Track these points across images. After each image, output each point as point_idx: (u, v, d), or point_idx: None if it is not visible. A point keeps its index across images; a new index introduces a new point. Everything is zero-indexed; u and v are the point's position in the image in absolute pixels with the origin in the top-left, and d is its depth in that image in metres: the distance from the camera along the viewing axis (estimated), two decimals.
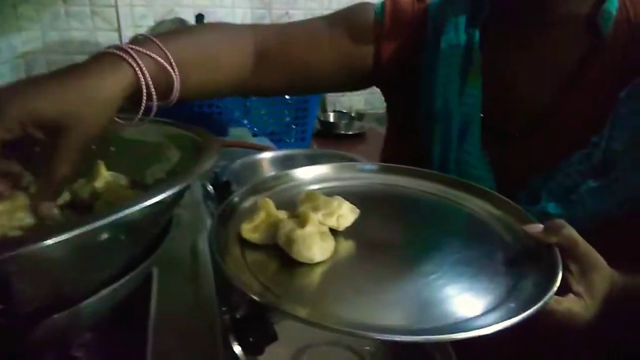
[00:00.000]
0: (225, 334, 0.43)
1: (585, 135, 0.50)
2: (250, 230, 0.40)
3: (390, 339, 0.30)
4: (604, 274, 0.41)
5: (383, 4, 0.61)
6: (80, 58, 1.38)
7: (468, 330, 0.30)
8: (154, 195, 0.26)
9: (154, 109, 0.43)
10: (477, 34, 0.55)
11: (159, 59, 0.43)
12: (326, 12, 0.67)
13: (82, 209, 0.41)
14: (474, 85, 0.55)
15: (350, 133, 1.56)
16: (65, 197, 0.43)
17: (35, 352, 0.29)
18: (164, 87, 0.44)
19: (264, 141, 1.19)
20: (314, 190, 0.47)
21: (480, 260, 0.40)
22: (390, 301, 0.35)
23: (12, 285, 0.21)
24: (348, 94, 1.82)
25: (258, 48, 0.58)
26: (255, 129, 1.25)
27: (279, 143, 1.25)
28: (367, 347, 0.54)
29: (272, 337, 0.45)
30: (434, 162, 0.57)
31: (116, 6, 1.30)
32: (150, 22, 1.44)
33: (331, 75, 0.62)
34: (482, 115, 0.55)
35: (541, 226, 0.41)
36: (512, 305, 0.33)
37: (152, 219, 0.30)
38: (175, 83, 0.44)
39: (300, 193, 0.45)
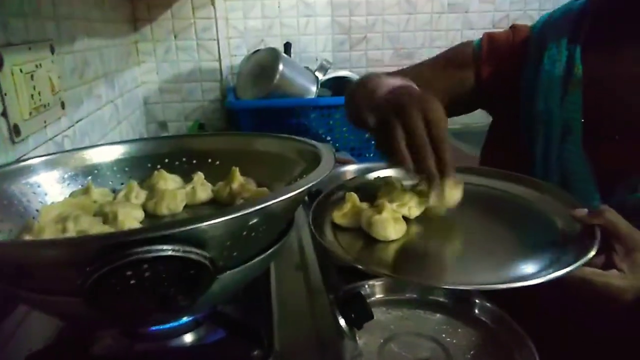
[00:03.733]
0: (333, 312, 0.53)
1: None
2: (340, 216, 0.51)
3: (463, 287, 0.40)
4: None
5: (481, 38, 0.71)
6: (187, 86, 1.62)
7: (520, 281, 0.39)
8: (289, 192, 0.37)
9: None
10: (578, 50, 0.62)
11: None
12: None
13: (223, 206, 0.53)
14: (575, 94, 0.62)
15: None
16: (208, 195, 0.55)
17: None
18: None
19: (346, 155, 1.30)
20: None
21: (535, 239, 0.49)
22: (456, 266, 0.45)
23: (215, 245, 0.33)
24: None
25: None
26: (337, 144, 1.36)
27: (359, 157, 1.35)
28: (450, 339, 0.60)
29: (369, 316, 0.55)
30: (537, 159, 0.64)
31: (217, 39, 1.48)
32: (244, 52, 1.62)
33: (448, 101, 0.72)
34: (582, 120, 0.61)
35: (586, 210, 0.47)
36: (556, 268, 0.42)
37: (288, 207, 0.41)
38: None
39: (379, 184, 0.56)
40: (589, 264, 0.42)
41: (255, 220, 0.36)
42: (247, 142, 0.57)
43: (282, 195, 0.34)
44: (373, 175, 0.64)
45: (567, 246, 0.45)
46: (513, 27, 0.71)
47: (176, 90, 1.50)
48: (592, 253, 0.42)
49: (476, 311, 0.64)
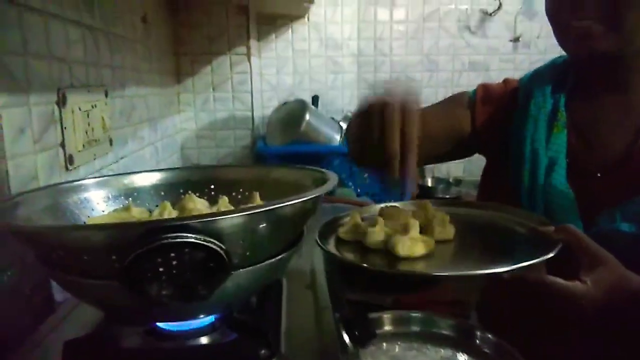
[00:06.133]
0: (337, 329, 0.57)
1: None
2: (344, 232, 0.58)
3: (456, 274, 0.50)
4: (611, 268, 0.49)
5: (476, 88, 0.79)
6: (221, 133, 1.75)
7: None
8: (295, 199, 0.43)
9: None
10: (562, 97, 0.70)
11: None
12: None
13: None
14: (559, 137, 0.68)
15: (447, 197, 1.67)
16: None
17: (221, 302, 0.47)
18: None
19: (366, 199, 1.36)
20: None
21: (509, 250, 0.56)
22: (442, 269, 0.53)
23: (230, 239, 0.39)
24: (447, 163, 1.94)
25: None
26: (358, 190, 1.43)
27: (379, 203, 1.40)
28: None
29: (372, 334, 0.59)
30: (523, 195, 0.69)
31: (251, 92, 1.61)
32: (275, 103, 1.75)
33: (440, 143, 0.81)
34: (567, 159, 0.67)
35: (552, 227, 0.53)
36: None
37: (297, 213, 0.47)
38: None
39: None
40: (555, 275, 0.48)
41: (264, 222, 0.42)
42: (266, 172, 0.64)
43: (288, 201, 0.41)
44: (380, 205, 0.70)
45: (535, 255, 0.51)
46: (505, 80, 0.79)
47: (211, 137, 1.62)
48: (551, 254, 0.48)
49: (478, 342, 0.67)
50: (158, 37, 1.36)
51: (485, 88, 0.79)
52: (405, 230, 0.54)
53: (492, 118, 0.76)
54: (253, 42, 1.65)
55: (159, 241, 0.35)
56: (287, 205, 0.41)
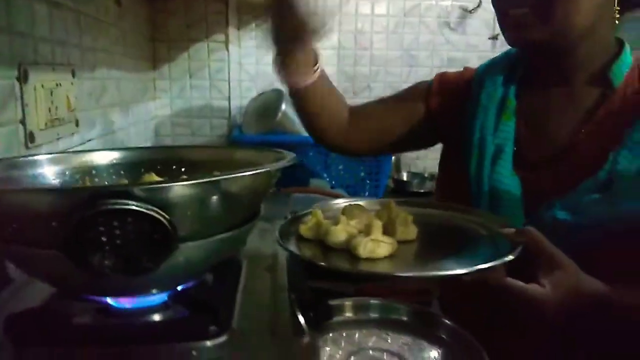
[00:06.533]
0: (292, 310, 0.57)
1: (598, 162, 0.61)
2: (305, 229, 0.57)
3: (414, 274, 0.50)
4: (569, 272, 0.50)
5: (433, 77, 0.80)
6: (197, 122, 1.75)
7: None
8: (240, 173, 0.43)
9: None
10: (513, 87, 0.71)
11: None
12: (404, 85, 0.87)
13: None
14: (507, 124, 0.69)
15: (422, 191, 1.68)
16: None
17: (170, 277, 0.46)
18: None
19: (340, 192, 1.36)
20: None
21: (470, 251, 0.56)
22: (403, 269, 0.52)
23: (176, 210, 0.39)
24: (422, 157, 1.96)
25: (351, 111, 0.84)
26: (333, 182, 1.43)
27: (353, 196, 1.41)
28: (414, 356, 0.64)
29: (327, 315, 0.59)
30: (471, 182, 0.70)
31: (229, 80, 1.60)
32: (254, 94, 1.73)
33: (399, 134, 0.82)
34: (515, 148, 0.68)
35: (513, 229, 0.53)
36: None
37: (248, 189, 0.47)
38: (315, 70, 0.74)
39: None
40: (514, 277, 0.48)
41: (211, 194, 0.42)
42: (230, 153, 0.64)
43: (233, 174, 0.40)
44: (344, 202, 0.70)
45: (495, 257, 0.50)
46: (465, 68, 0.80)
47: (187, 125, 1.61)
48: (510, 257, 0.48)
49: (438, 329, 0.68)
50: (134, 21, 1.34)
51: (442, 77, 0.80)
52: (367, 231, 0.54)
53: (447, 106, 0.77)
54: (232, 31, 1.63)
55: (100, 207, 0.35)
56: (232, 177, 0.40)
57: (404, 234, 0.56)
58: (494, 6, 0.65)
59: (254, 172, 0.42)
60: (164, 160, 0.67)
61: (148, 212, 0.36)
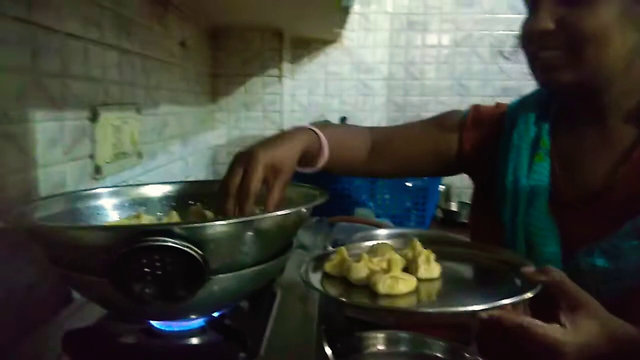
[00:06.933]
0: (320, 340, 0.60)
1: (636, 205, 0.59)
2: (330, 266, 0.60)
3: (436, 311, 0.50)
4: (593, 315, 0.48)
5: (468, 109, 0.80)
6: None
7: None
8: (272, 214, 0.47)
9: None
10: (546, 126, 0.70)
11: (322, 135, 0.70)
12: None
13: None
14: (541, 165, 0.68)
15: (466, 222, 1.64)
16: None
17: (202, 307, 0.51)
18: (317, 153, 0.70)
19: (385, 222, 1.37)
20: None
21: (490, 289, 0.56)
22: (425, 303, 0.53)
23: (209, 246, 0.43)
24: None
25: (373, 139, 0.82)
26: (378, 211, 1.44)
27: (399, 226, 1.41)
28: None
29: (356, 347, 0.61)
30: (505, 225, 0.69)
31: (281, 112, 1.68)
32: (305, 124, 1.80)
33: (425, 161, 0.82)
34: (550, 189, 0.67)
35: (533, 268, 0.52)
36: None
37: (279, 226, 0.51)
38: (324, 151, 0.70)
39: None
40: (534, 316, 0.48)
41: (243, 232, 0.46)
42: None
43: (263, 215, 0.45)
44: (372, 242, 0.72)
45: (512, 294, 0.50)
46: (497, 104, 0.79)
47: None
48: (528, 295, 0.48)
49: None
50: (196, 60, 1.46)
51: (476, 111, 0.79)
52: (387, 268, 0.56)
53: (481, 142, 0.76)
54: (286, 65, 1.72)
55: (141, 243, 0.40)
56: (262, 218, 0.44)
57: (426, 272, 0.58)
58: (522, 48, 0.65)
59: (283, 213, 0.46)
60: (209, 193, 0.73)
61: (182, 248, 0.41)
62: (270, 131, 1.69)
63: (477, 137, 0.77)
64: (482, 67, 1.90)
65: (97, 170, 0.82)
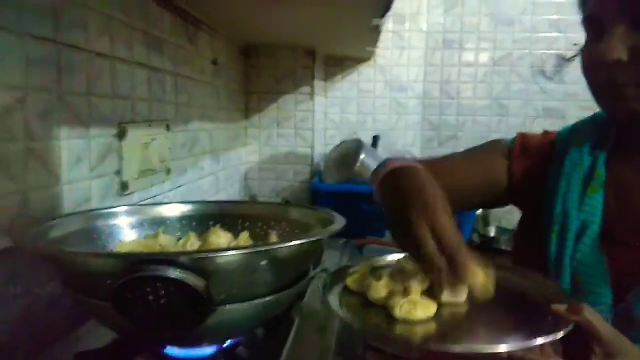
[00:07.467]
0: None
1: None
2: (351, 281, 0.56)
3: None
4: None
5: (514, 138, 0.76)
6: (282, 167, 1.81)
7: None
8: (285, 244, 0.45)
9: None
10: (603, 155, 0.65)
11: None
12: (493, 135, 0.82)
13: None
14: (594, 197, 0.63)
15: (510, 250, 1.57)
16: None
17: (213, 334, 0.49)
18: None
19: None
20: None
21: (517, 323, 0.51)
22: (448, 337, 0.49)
23: (214, 277, 0.41)
24: (514, 210, 1.84)
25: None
26: None
27: None
28: None
29: None
30: (550, 258, 0.64)
31: (313, 130, 1.67)
32: (337, 141, 1.79)
33: (476, 195, 0.77)
34: (602, 223, 0.62)
35: (565, 306, 0.47)
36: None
37: (298, 254, 0.48)
38: None
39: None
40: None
41: (253, 263, 0.44)
42: (286, 211, 0.67)
43: (277, 245, 0.42)
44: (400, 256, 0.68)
45: (539, 333, 0.46)
46: (545, 132, 0.74)
47: (272, 170, 1.70)
48: (560, 334, 0.43)
49: None
50: (228, 77, 1.47)
51: (524, 138, 0.75)
52: (406, 291, 0.52)
53: (530, 171, 0.72)
54: (319, 82, 1.72)
55: (143, 272, 0.39)
56: (270, 249, 0.42)
57: (452, 296, 0.53)
58: (586, 76, 0.60)
59: (294, 244, 0.44)
60: (229, 214, 0.72)
61: (185, 280, 0.39)
62: (301, 149, 1.69)
63: (526, 166, 0.72)
64: (523, 86, 1.83)
65: (124, 186, 0.83)
